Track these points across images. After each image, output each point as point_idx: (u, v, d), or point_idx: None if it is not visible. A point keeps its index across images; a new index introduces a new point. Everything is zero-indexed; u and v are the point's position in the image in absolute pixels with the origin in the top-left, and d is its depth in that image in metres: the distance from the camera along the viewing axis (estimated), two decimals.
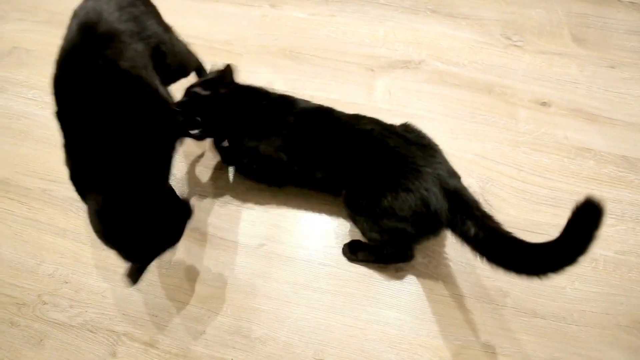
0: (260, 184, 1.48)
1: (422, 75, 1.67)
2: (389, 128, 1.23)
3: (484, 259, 1.01)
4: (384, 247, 1.29)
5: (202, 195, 1.51)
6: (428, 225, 1.13)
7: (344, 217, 1.43)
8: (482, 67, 1.69)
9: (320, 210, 1.45)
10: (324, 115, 1.29)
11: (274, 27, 1.79)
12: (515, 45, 1.74)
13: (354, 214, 1.24)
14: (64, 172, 1.15)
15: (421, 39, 1.75)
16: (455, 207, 1.07)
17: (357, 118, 1.27)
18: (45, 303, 1.41)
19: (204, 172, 1.55)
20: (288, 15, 1.82)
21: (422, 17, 1.80)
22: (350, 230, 1.41)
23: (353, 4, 1.82)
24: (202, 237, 1.43)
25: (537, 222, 1.38)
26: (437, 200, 1.08)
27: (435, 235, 1.17)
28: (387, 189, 1.13)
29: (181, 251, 1.41)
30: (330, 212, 1.44)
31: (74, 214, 1.53)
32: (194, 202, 1.49)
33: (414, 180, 1.10)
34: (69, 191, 1.55)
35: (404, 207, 1.10)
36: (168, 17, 1.79)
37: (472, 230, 1.03)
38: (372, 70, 1.68)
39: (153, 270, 1.40)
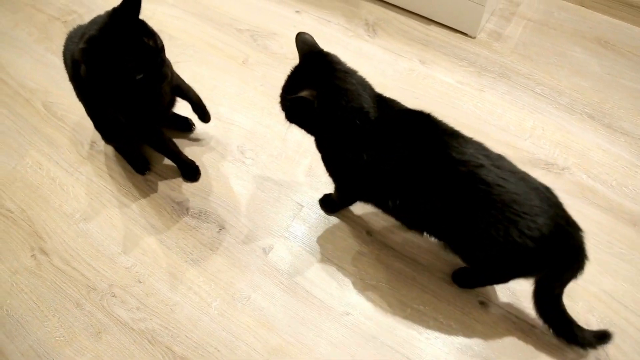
0: (363, 249, 1.42)
1: (563, 184, 1.55)
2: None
3: None
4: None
5: (302, 245, 1.46)
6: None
7: (443, 318, 1.33)
8: (633, 194, 1.55)
9: (423, 301, 1.36)
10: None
11: (418, 85, 1.74)
12: None
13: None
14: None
15: (571, 143, 1.63)
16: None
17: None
18: (114, 295, 1.40)
19: (304, 218, 1.51)
20: (435, 76, 1.77)
21: (577, 119, 1.69)
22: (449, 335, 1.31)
23: (506, 85, 1.75)
24: (290, 284, 1.38)
25: None
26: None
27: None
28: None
29: (263, 292, 1.37)
30: (434, 305, 1.35)
31: (168, 214, 1.52)
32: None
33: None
34: (169, 188, 1.57)
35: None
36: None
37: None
38: None
39: (229, 301, 1.36)
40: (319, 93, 1.04)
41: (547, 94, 1.74)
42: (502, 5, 1.97)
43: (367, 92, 1.11)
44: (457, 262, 1.39)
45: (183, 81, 1.50)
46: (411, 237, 1.45)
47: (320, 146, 1.25)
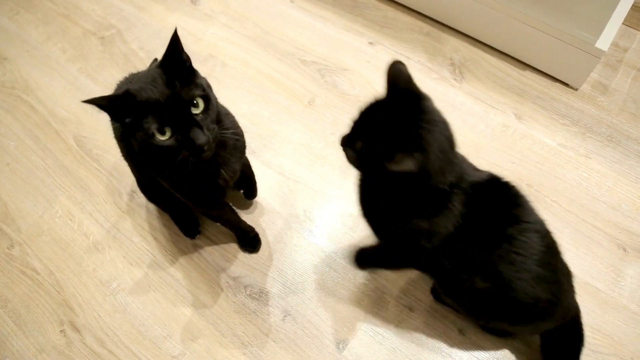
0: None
1: None
2: None
3: None
4: None
5: (382, 341, 1.24)
6: None
7: None
8: None
9: None
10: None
11: (515, 146, 1.50)
12: None
13: None
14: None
15: None
16: None
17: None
18: None
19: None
20: (534, 136, 1.53)
21: None
22: None
23: (615, 151, 1.51)
24: None
25: None
26: None
27: None
28: None
29: None
30: None
31: (222, 291, 1.30)
32: None
33: None
34: (223, 258, 1.34)
35: None
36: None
37: None
38: (624, 249, 1.36)
39: None
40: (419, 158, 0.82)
41: None
42: (607, 50, 1.71)
43: (456, 156, 0.92)
44: None
45: None
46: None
47: (379, 199, 1.02)
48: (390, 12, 1.81)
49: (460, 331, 1.25)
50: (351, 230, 1.39)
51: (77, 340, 1.28)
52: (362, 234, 1.38)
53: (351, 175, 1.46)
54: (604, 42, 1.49)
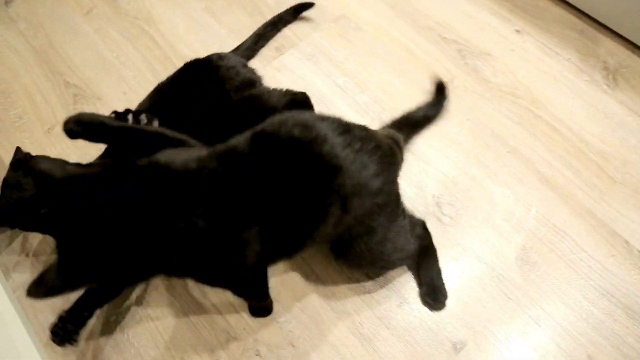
0: None
1: None
2: None
3: None
4: None
5: (502, 351, 1.16)
6: None
7: None
8: None
9: None
10: None
11: None
12: None
13: None
14: None
15: None
16: None
17: None
18: (258, 354, 1.20)
19: None
20: None
21: None
22: None
23: None
24: None
25: None
26: None
27: None
28: None
29: None
30: None
31: (339, 266, 1.24)
32: None
33: None
34: None
35: None
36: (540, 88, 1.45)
37: None
38: None
39: None
40: None
41: None
42: None
43: None
44: None
45: None
46: None
47: None
48: (542, 1, 1.70)
49: (590, 356, 1.17)
50: (480, 225, 1.32)
51: (180, 285, 1.25)
52: (493, 233, 1.30)
53: (485, 166, 1.39)
54: None
